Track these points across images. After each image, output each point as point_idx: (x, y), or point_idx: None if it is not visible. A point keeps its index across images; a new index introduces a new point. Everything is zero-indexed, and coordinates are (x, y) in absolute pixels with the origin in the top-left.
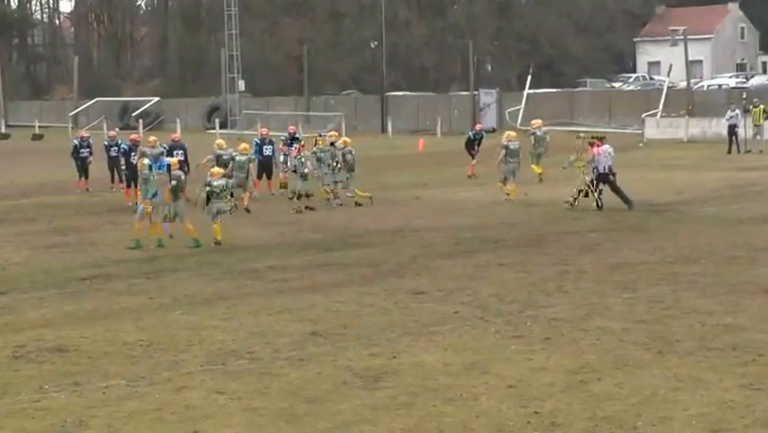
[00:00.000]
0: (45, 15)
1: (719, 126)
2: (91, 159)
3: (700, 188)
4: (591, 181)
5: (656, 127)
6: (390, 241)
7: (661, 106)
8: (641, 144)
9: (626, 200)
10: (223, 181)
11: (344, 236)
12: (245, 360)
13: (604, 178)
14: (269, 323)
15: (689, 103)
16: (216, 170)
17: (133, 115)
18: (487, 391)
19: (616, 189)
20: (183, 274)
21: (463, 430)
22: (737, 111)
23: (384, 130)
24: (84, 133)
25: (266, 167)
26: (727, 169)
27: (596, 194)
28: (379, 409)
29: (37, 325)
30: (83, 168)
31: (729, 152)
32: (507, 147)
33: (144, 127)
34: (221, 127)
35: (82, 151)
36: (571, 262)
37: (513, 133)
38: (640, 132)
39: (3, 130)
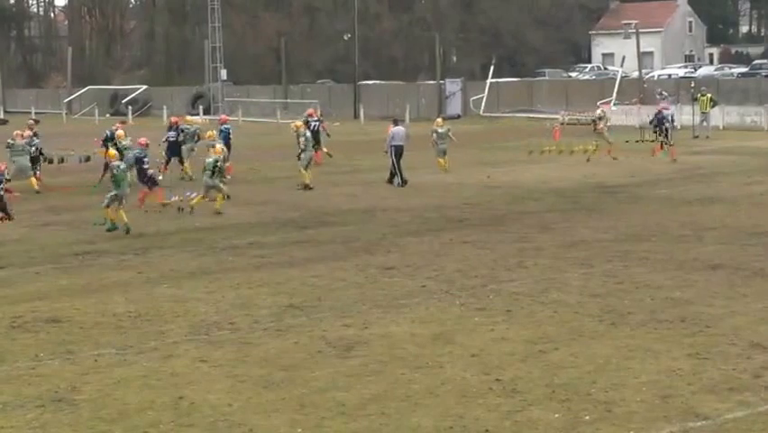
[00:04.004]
0: (41, 9)
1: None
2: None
3: (651, 171)
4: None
5: (610, 114)
6: (362, 220)
7: (614, 95)
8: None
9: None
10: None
11: (319, 215)
12: (227, 330)
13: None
14: (249, 296)
15: (640, 92)
16: (219, 147)
17: (123, 102)
18: (451, 359)
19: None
20: (169, 251)
21: (429, 396)
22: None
23: (356, 116)
24: (120, 131)
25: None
26: (677, 153)
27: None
28: (351, 377)
29: (33, 297)
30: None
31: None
32: (436, 132)
33: (133, 114)
34: (204, 113)
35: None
36: (531, 240)
37: (440, 121)
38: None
39: (1, 116)
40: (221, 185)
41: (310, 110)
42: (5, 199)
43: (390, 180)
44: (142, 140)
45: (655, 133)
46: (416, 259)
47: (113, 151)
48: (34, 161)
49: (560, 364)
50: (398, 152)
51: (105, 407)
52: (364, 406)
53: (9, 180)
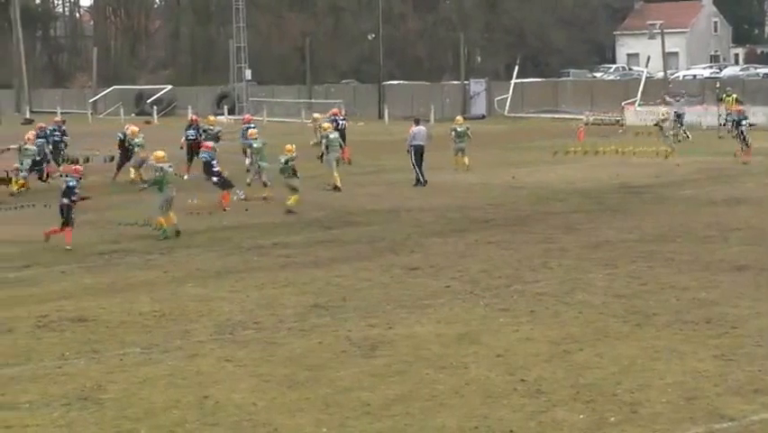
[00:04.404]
0: (66, 9)
1: (693, 114)
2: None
3: (676, 171)
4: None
5: (635, 115)
6: (386, 220)
7: (639, 95)
8: (620, 131)
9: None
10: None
11: (344, 215)
12: (252, 330)
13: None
14: (274, 295)
15: (665, 92)
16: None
17: (148, 102)
18: (476, 360)
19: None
20: (195, 250)
21: (454, 396)
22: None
23: (381, 117)
24: (134, 127)
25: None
26: (701, 153)
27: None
28: (375, 376)
29: (59, 296)
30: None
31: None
32: (455, 129)
33: (158, 113)
34: (229, 113)
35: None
36: (555, 241)
37: (460, 119)
38: (620, 119)
39: (27, 116)
40: (295, 183)
41: (335, 109)
42: (73, 210)
43: (423, 183)
44: (209, 144)
45: (737, 136)
46: (441, 259)
47: (160, 153)
48: (38, 162)
49: (585, 365)
50: (419, 151)
51: (130, 406)
52: (389, 406)
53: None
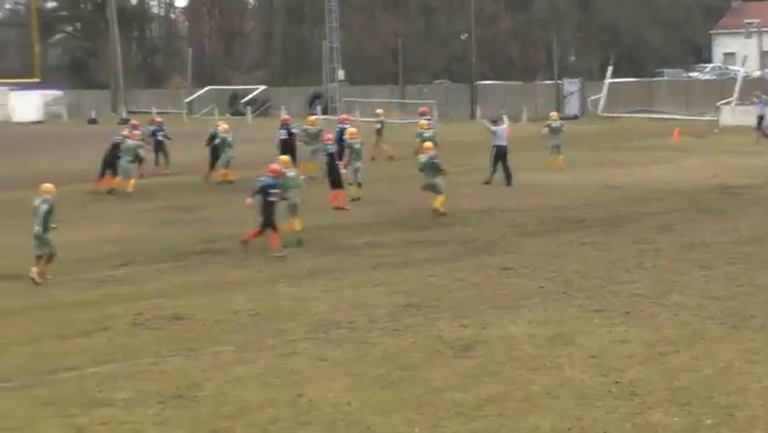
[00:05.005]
0: (162, 10)
1: None
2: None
3: None
4: None
5: (731, 115)
6: (480, 220)
7: (735, 95)
8: (716, 131)
9: None
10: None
11: (437, 215)
12: (345, 329)
13: None
14: (366, 295)
15: (762, 92)
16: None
17: (242, 102)
18: (570, 361)
19: None
20: (288, 250)
21: (547, 397)
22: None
23: (473, 117)
24: (224, 125)
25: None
26: None
27: None
28: (468, 377)
29: (155, 295)
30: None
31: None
32: (549, 126)
33: (252, 113)
34: (322, 113)
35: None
36: (650, 242)
37: (555, 114)
38: (715, 119)
39: (123, 116)
40: (438, 182)
41: (424, 108)
42: (274, 210)
43: (509, 182)
44: (328, 135)
45: None
46: (535, 259)
47: (285, 157)
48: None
49: (680, 367)
50: (501, 152)
51: (225, 403)
52: (482, 406)
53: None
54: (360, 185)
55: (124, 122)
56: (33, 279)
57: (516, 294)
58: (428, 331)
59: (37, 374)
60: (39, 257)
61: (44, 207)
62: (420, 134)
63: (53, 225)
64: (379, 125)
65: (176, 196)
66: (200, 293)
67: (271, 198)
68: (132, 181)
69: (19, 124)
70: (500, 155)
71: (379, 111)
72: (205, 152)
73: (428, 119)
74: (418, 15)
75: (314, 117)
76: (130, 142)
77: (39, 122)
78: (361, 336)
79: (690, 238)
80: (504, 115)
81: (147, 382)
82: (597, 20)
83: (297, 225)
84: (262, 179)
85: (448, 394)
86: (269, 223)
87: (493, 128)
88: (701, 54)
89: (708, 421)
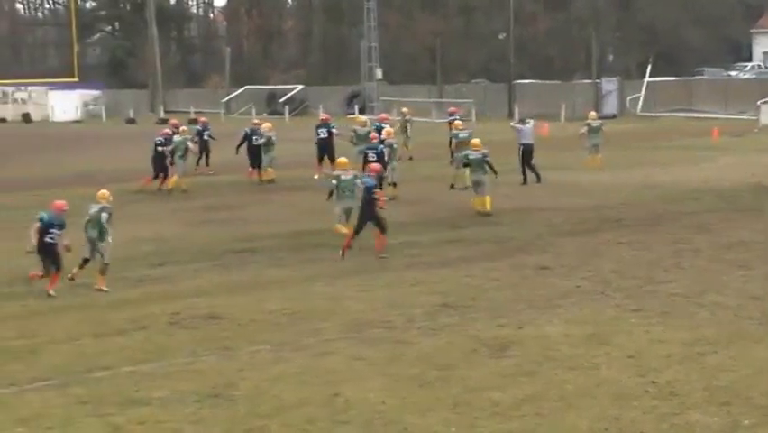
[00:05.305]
0: (200, 10)
1: None
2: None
3: None
4: None
5: None
6: (516, 219)
7: None
8: (756, 130)
9: None
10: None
11: (472, 215)
12: (381, 329)
13: None
14: (402, 295)
15: None
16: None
17: (280, 101)
18: (607, 360)
19: None
20: (324, 249)
21: (584, 397)
22: None
23: (511, 116)
24: (257, 121)
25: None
26: None
27: None
28: (505, 377)
29: (191, 294)
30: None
31: None
32: (589, 125)
33: (290, 113)
34: (360, 112)
35: (255, 138)
36: (688, 241)
37: (594, 114)
38: (755, 118)
39: (162, 115)
40: (486, 181)
41: (453, 108)
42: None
43: (538, 179)
44: (375, 134)
45: None
46: (572, 259)
47: (343, 159)
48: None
49: (718, 367)
50: (527, 150)
51: (261, 403)
52: (518, 406)
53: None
54: (395, 184)
55: (162, 121)
56: (70, 277)
57: (552, 294)
58: (464, 331)
59: (74, 373)
60: (86, 261)
61: (104, 216)
62: (456, 134)
63: (109, 239)
64: (407, 124)
65: (214, 195)
66: (237, 292)
67: (373, 197)
68: (175, 179)
69: (58, 123)
70: (527, 153)
71: (404, 110)
72: (242, 152)
73: (457, 118)
74: (457, 14)
75: (364, 118)
76: (177, 138)
77: (77, 121)
78: (397, 335)
79: (729, 238)
80: (530, 119)
81: (183, 381)
82: (636, 19)
83: (344, 229)
84: (365, 180)
85: (485, 394)
86: (381, 225)
87: (519, 126)
88: (741, 53)
89: (747, 422)
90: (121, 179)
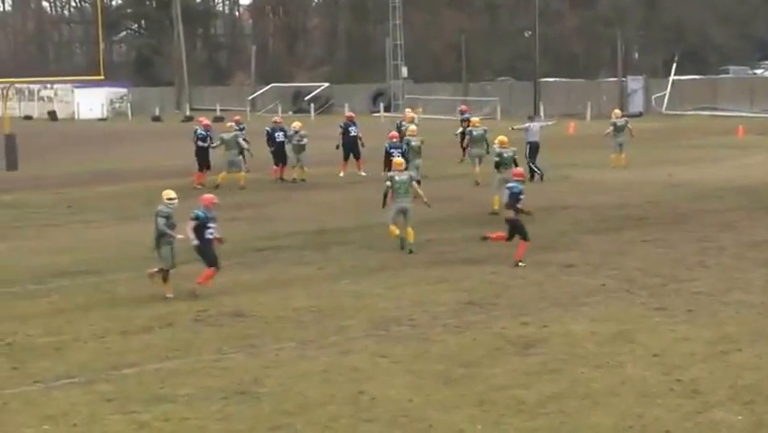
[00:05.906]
0: (226, 7)
1: None
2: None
3: None
4: None
5: None
6: (541, 217)
7: None
8: None
9: None
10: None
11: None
12: (406, 326)
13: None
14: (427, 292)
15: None
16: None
17: (305, 99)
18: (632, 359)
19: None
20: (349, 247)
21: (609, 395)
22: None
23: (536, 114)
24: (278, 119)
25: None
26: None
27: None
28: (530, 375)
29: (217, 291)
30: (280, 154)
31: None
32: (614, 124)
33: (315, 111)
34: (385, 110)
35: (277, 135)
36: (712, 240)
37: (618, 112)
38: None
39: (187, 113)
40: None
41: (464, 107)
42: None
43: (541, 177)
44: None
45: None
46: (597, 257)
47: (399, 159)
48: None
49: (743, 366)
50: (533, 147)
51: (286, 400)
52: (544, 404)
53: None
54: (419, 182)
55: (188, 119)
56: (150, 273)
57: (577, 292)
58: (489, 328)
59: (100, 371)
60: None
61: (161, 221)
62: (470, 132)
63: (171, 239)
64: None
65: (239, 193)
66: (262, 290)
67: (518, 206)
68: (244, 174)
69: (84, 121)
70: (532, 150)
71: (408, 111)
72: (266, 150)
73: (470, 117)
74: (482, 12)
75: (412, 114)
76: (226, 135)
77: (103, 119)
78: (422, 333)
79: (753, 236)
80: (539, 118)
81: (209, 378)
82: (661, 17)
83: (408, 232)
84: (512, 185)
85: (510, 391)
86: (521, 232)
87: (526, 125)
88: (766, 51)
89: None
90: (146, 177)
